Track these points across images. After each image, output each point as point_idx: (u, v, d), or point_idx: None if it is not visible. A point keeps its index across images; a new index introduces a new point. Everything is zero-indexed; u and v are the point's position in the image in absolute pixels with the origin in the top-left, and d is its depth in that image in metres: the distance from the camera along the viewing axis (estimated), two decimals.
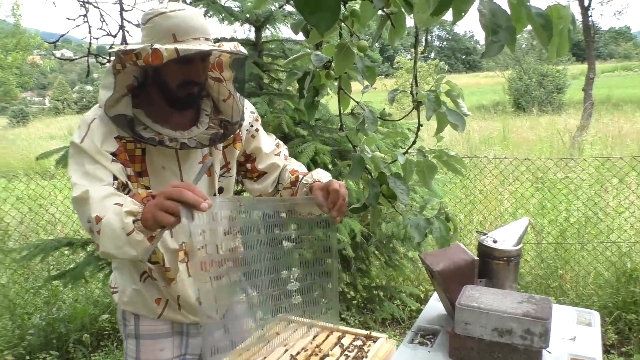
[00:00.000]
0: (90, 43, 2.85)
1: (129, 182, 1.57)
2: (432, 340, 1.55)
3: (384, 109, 2.19)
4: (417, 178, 1.73)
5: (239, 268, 1.68)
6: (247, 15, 2.67)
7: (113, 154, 1.57)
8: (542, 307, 1.37)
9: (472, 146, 9.22)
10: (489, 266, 1.58)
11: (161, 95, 1.64)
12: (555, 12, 1.10)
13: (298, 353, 1.78)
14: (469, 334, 1.39)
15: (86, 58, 2.96)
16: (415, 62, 1.52)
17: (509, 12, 1.06)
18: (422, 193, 2.92)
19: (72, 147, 1.58)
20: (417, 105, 1.62)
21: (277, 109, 2.49)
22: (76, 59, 3.04)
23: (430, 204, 1.74)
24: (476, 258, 1.55)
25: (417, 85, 1.44)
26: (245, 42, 2.73)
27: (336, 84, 1.69)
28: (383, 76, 28.13)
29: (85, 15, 2.66)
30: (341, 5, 1.47)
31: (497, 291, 1.46)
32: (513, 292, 1.47)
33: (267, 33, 2.78)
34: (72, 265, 2.99)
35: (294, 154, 2.32)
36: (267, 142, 1.90)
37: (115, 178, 1.53)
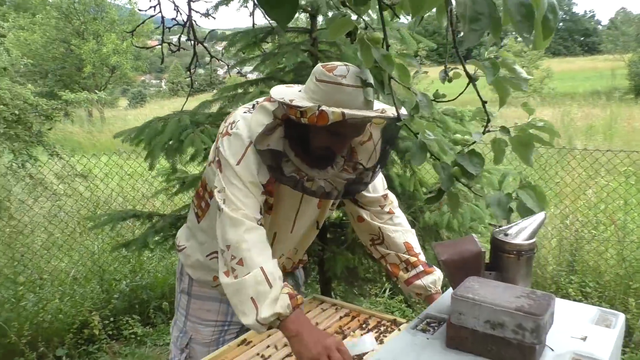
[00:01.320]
0: (162, 32, 3.05)
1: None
2: (436, 328, 1.56)
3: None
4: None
5: None
6: (303, 2, 2.73)
7: (264, 185, 1.65)
8: (539, 304, 1.35)
9: (571, 135, 8.71)
10: (500, 259, 1.57)
11: (299, 142, 1.66)
12: (536, 2, 1.08)
13: (323, 330, 1.87)
14: (462, 324, 1.40)
15: (165, 46, 3.17)
16: (454, 40, 1.46)
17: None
18: (481, 183, 2.86)
19: (226, 165, 1.63)
20: (472, 80, 1.53)
21: None
22: (152, 47, 3.27)
23: (510, 176, 1.69)
24: (483, 250, 1.54)
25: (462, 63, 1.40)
26: (301, 31, 2.81)
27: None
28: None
29: (156, 6, 2.85)
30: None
31: (499, 284, 1.45)
32: (515, 287, 1.45)
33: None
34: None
35: None
36: (375, 186, 1.93)
37: (259, 211, 1.63)
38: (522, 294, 1.40)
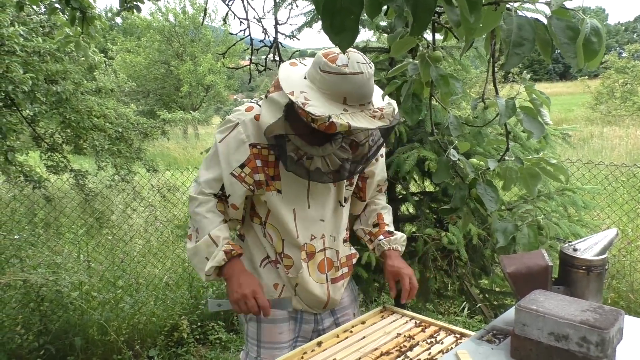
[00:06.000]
0: (251, 53, 3.25)
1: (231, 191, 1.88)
2: (501, 339, 1.58)
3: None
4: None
5: None
6: (384, 24, 2.83)
7: (241, 165, 1.83)
8: (605, 318, 1.35)
9: None
10: (568, 274, 1.57)
11: (300, 122, 1.76)
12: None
13: (393, 338, 1.92)
14: (526, 335, 1.42)
15: (253, 66, 3.38)
16: (493, 71, 1.56)
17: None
18: (562, 201, 2.81)
19: (214, 143, 1.88)
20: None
21: None
22: (242, 67, 3.49)
23: (522, 209, 1.76)
24: (550, 264, 1.54)
25: (497, 93, 1.48)
26: (380, 51, 2.90)
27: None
28: (586, 77, 25.67)
29: (245, 30, 3.06)
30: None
31: (565, 298, 1.46)
32: (582, 301, 1.45)
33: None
34: None
35: (398, 161, 2.39)
36: (382, 171, 2.12)
37: (222, 188, 1.87)
38: (589, 308, 1.40)
